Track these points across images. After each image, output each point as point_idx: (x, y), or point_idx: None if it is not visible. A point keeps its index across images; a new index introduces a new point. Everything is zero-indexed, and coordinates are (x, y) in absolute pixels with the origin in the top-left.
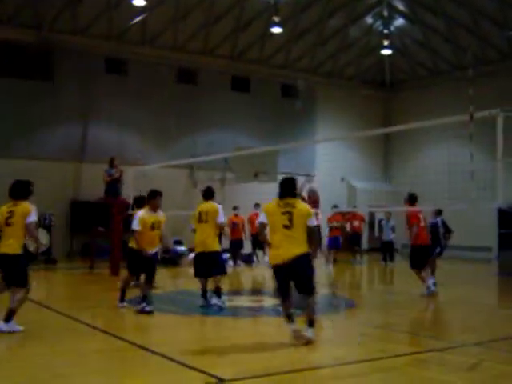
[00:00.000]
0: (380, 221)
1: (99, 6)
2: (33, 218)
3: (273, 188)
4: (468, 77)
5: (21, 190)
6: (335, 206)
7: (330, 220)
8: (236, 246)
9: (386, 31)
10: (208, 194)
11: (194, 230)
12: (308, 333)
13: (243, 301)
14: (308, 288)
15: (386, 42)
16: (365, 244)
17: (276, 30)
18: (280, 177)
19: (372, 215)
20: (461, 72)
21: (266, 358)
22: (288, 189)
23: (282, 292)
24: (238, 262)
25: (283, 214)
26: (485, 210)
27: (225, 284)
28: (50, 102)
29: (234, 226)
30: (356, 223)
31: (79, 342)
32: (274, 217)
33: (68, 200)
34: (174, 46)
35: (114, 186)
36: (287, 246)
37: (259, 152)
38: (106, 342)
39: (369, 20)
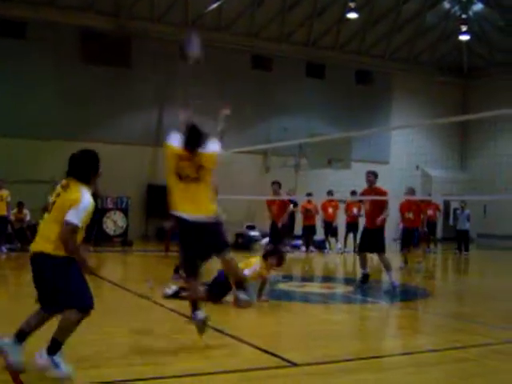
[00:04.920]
0: (455, 210)
1: None
2: None
3: (346, 175)
4: None
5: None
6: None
7: (402, 208)
8: (309, 231)
9: (463, 16)
10: None
11: None
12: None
13: (315, 287)
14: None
15: (463, 28)
16: (439, 233)
17: (351, 15)
18: (354, 164)
19: (447, 204)
20: None
21: (338, 345)
22: None
23: None
24: (311, 248)
25: None
26: None
27: (296, 270)
28: (127, 88)
29: (307, 213)
30: (431, 212)
31: (153, 321)
32: None
33: (145, 184)
34: (249, 33)
35: None
36: None
37: (333, 139)
38: (177, 321)
39: (446, 5)
